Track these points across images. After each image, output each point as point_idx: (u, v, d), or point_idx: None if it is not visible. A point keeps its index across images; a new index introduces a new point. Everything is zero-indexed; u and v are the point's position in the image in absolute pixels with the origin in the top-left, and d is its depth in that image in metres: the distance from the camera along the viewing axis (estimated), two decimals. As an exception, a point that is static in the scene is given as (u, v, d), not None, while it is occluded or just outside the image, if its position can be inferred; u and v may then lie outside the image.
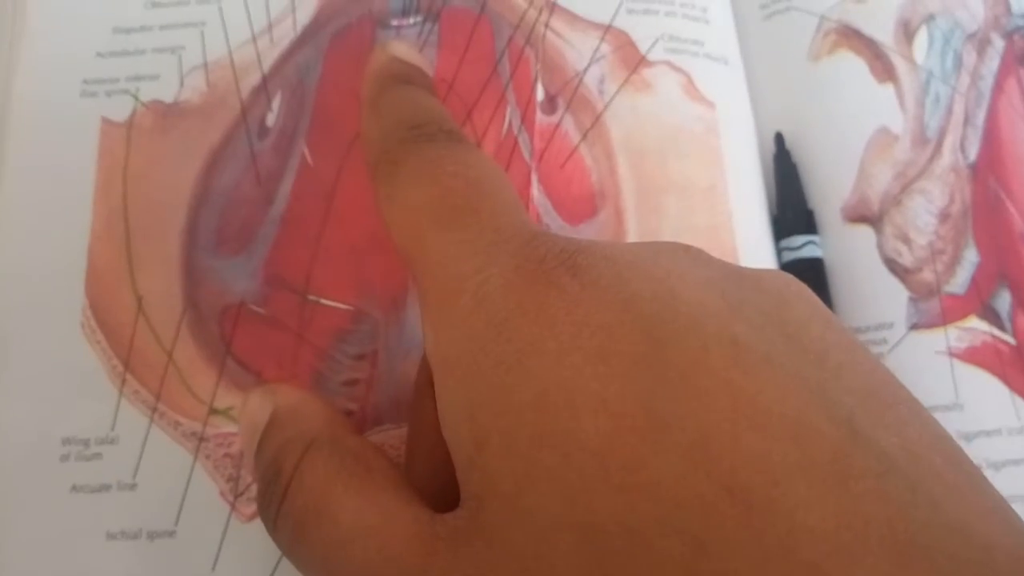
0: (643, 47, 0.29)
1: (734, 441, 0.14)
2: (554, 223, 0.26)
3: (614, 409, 0.15)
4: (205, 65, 0.28)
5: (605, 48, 0.29)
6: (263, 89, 0.28)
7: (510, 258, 0.17)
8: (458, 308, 0.17)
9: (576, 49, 0.29)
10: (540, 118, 0.28)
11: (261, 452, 0.21)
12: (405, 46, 0.25)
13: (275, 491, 0.19)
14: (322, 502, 0.18)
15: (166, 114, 0.27)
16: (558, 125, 0.28)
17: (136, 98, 0.28)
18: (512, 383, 0.16)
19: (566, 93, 0.28)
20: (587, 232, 0.26)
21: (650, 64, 0.29)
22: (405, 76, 0.24)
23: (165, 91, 0.28)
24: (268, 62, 0.28)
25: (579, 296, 0.16)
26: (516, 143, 0.27)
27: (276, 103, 0.28)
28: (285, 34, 0.29)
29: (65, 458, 0.24)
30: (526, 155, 0.27)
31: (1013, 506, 0.25)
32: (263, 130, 0.27)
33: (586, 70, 0.28)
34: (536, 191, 0.27)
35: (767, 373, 0.15)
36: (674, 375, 0.15)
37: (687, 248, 0.18)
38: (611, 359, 0.15)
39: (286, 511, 0.19)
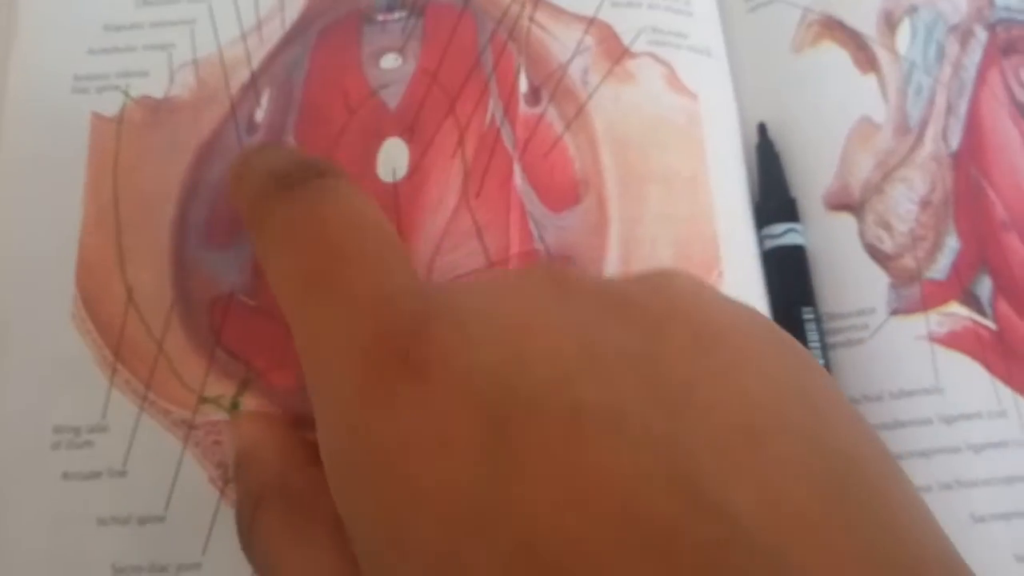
0: (626, 39, 0.29)
1: (558, 530, 0.13)
2: (538, 211, 0.27)
3: (447, 509, 0.14)
4: (195, 62, 0.29)
5: (589, 40, 0.29)
6: (252, 86, 0.28)
7: (361, 339, 0.16)
8: (321, 399, 0.17)
9: (560, 41, 0.29)
10: (524, 109, 0.28)
11: (236, 495, 0.22)
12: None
13: (243, 541, 0.21)
14: (272, 558, 0.20)
15: (156, 110, 0.28)
16: (542, 116, 0.28)
17: (126, 94, 0.28)
18: (362, 489, 0.16)
19: (550, 84, 0.28)
20: (571, 219, 0.27)
21: (634, 56, 0.29)
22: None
23: (155, 87, 0.28)
24: (257, 59, 0.29)
25: (424, 378, 0.15)
26: (499, 134, 0.27)
27: (264, 99, 0.28)
28: (274, 32, 0.29)
29: (57, 446, 0.24)
30: (508, 145, 0.27)
31: (995, 488, 0.26)
32: (252, 126, 0.28)
33: (570, 62, 0.29)
34: (520, 180, 0.27)
35: (607, 443, 0.14)
36: (508, 462, 0.14)
37: (557, 278, 0.17)
38: (450, 451, 0.15)
39: (251, 560, 0.20)
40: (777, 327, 0.18)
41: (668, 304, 0.17)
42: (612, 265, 0.26)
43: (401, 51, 0.29)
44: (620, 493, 0.13)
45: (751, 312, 0.18)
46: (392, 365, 0.16)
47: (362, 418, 0.16)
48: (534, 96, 0.28)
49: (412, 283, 0.18)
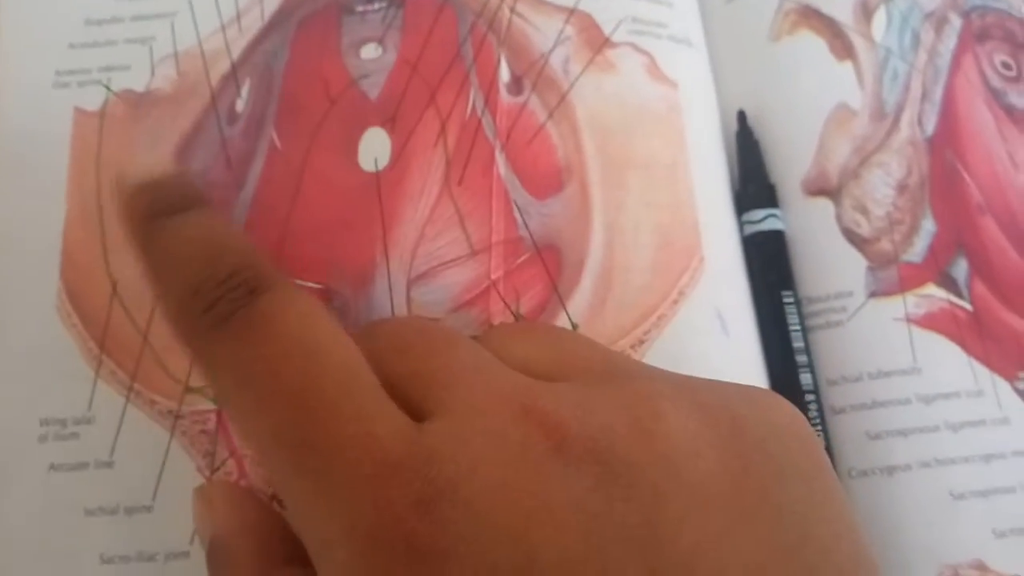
0: (607, 29, 0.30)
1: None
2: (522, 198, 0.27)
3: None
4: (175, 55, 0.29)
5: (570, 30, 0.29)
6: (232, 77, 0.28)
7: (363, 523, 0.16)
8: None
9: (541, 32, 0.29)
10: (507, 98, 0.28)
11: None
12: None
13: None
14: None
15: (138, 103, 0.28)
16: (525, 104, 0.28)
17: (108, 88, 0.28)
18: None
19: (532, 74, 0.29)
20: (555, 206, 0.27)
21: (614, 45, 0.29)
22: (158, 207, 0.20)
23: (136, 80, 0.28)
24: (237, 50, 0.29)
25: (436, 567, 0.15)
26: (480, 124, 0.28)
27: (245, 90, 0.28)
28: (253, 23, 0.29)
29: (43, 438, 0.24)
30: (490, 135, 0.28)
31: (972, 466, 0.26)
32: (233, 116, 0.28)
33: (551, 51, 0.29)
34: (503, 168, 0.27)
35: None
36: None
37: (555, 439, 0.17)
38: None
39: None
40: (777, 432, 0.18)
41: (664, 466, 0.17)
42: (596, 251, 0.26)
43: (381, 41, 0.29)
44: None
45: (746, 444, 0.18)
46: (400, 551, 0.16)
47: None
48: (516, 85, 0.28)
49: (398, 425, 0.17)
